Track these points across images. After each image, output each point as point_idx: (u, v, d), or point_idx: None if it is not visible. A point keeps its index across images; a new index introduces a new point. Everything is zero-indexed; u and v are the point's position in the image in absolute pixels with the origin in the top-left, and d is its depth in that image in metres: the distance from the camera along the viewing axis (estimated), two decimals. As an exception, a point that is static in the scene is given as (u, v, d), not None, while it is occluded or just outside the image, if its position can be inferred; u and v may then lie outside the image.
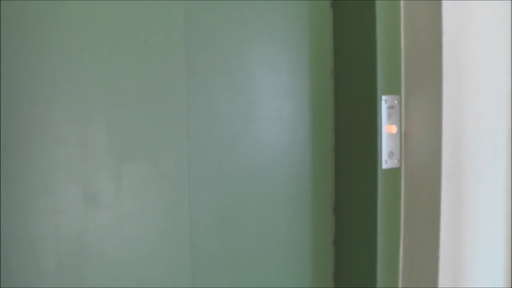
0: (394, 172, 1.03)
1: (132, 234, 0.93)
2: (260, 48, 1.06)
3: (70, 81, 0.86)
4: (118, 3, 0.90)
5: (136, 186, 0.93)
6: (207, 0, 0.99)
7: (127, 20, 0.91)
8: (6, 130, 0.82)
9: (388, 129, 1.01)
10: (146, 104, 0.94)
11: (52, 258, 0.86)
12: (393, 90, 1.02)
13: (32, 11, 0.83)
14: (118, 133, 0.91)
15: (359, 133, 1.06)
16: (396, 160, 1.03)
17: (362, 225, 1.06)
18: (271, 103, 1.08)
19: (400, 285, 1.06)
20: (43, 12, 0.84)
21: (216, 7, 1.01)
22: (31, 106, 0.84)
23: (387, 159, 1.02)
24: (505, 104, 1.06)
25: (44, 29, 0.84)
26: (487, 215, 1.06)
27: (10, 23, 0.82)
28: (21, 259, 0.84)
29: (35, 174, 0.84)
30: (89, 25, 0.88)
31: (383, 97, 1.01)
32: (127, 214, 0.92)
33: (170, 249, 0.98)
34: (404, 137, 1.04)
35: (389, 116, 1.02)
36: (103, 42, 0.89)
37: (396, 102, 1.03)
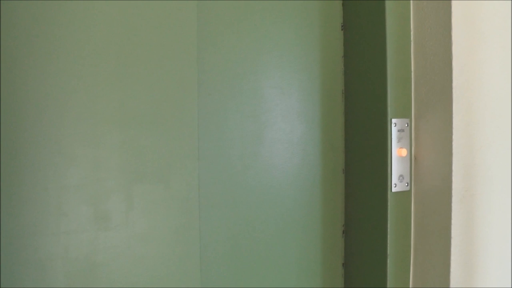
0: (404, 196, 1.03)
1: (142, 255, 0.93)
2: (271, 71, 1.07)
3: (82, 103, 0.87)
4: (131, 26, 0.91)
5: (147, 207, 0.93)
6: (219, 23, 1.01)
7: (140, 43, 0.92)
8: (19, 151, 0.83)
9: (398, 152, 1.01)
10: (157, 126, 0.94)
11: (61, 278, 0.86)
12: (403, 113, 1.02)
13: (45, 30, 0.84)
14: (129, 155, 0.91)
15: (369, 156, 1.06)
16: (406, 184, 1.03)
17: (372, 248, 1.06)
18: (281, 125, 1.08)
19: (410, 308, 1.06)
20: (57, 32, 0.85)
21: (228, 30, 1.02)
22: (44, 128, 0.84)
23: (397, 183, 1.01)
24: (516, 127, 1.06)
25: (57, 52, 0.85)
26: (499, 239, 1.05)
27: (23, 45, 0.83)
28: (31, 279, 0.84)
29: (47, 194, 0.85)
30: (103, 48, 0.89)
31: (393, 120, 1.01)
32: (137, 235, 0.92)
33: (180, 271, 0.97)
34: (414, 160, 1.04)
35: (399, 139, 1.01)
36: (115, 64, 0.90)
37: (406, 125, 1.03)
